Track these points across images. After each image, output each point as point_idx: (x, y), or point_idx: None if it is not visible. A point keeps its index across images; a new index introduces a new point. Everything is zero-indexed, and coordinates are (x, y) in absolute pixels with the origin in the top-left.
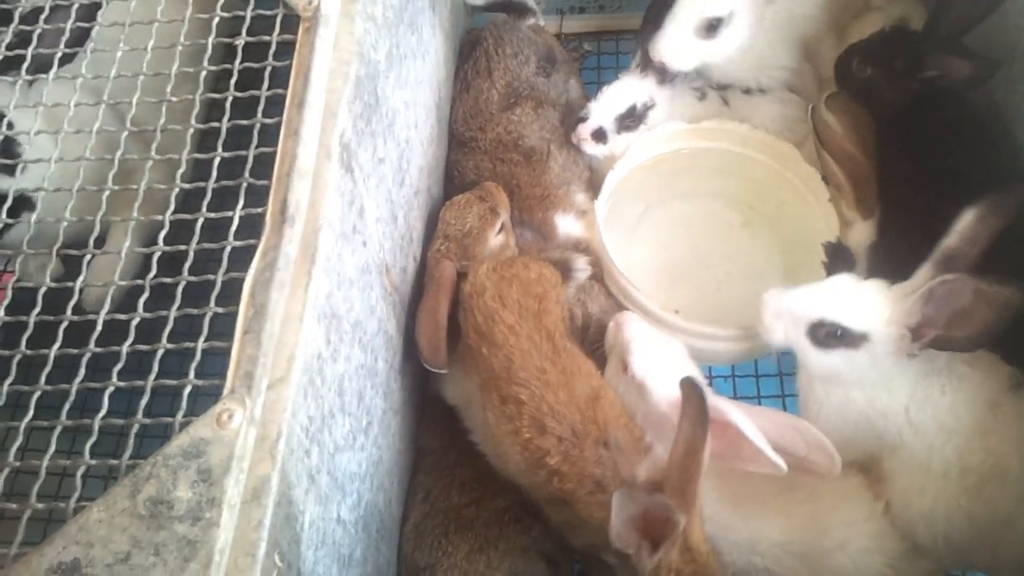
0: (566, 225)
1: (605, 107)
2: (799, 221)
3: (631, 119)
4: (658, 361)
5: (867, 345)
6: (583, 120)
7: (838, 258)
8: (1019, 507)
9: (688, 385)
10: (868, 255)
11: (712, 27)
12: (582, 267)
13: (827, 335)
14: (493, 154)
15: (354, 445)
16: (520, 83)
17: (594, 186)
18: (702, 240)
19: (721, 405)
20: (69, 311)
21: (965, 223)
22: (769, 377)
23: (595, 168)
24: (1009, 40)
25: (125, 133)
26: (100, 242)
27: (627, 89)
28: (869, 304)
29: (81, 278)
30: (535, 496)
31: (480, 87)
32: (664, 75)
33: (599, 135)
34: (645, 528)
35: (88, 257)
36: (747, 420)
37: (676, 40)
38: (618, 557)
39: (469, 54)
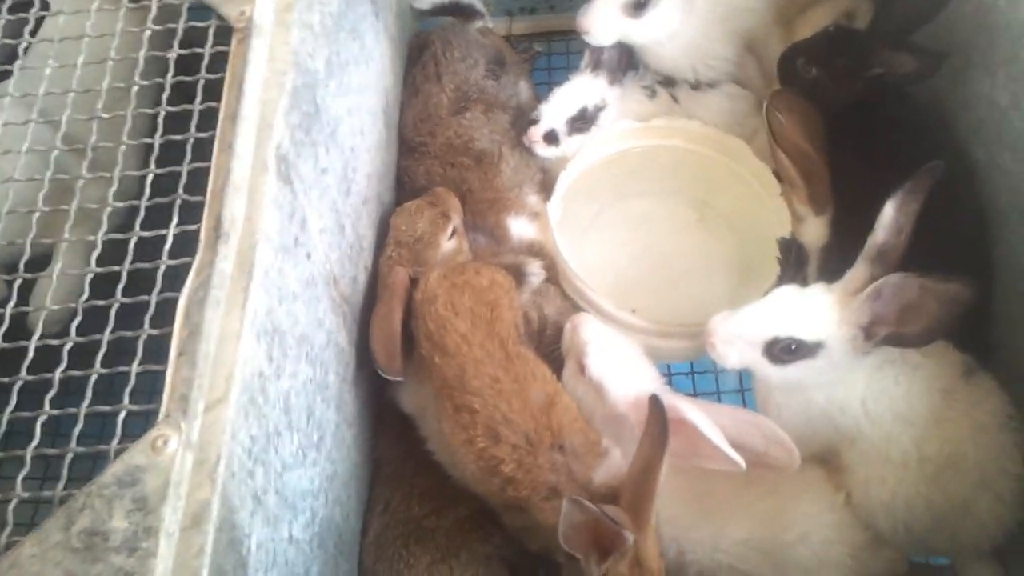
0: (519, 228)
1: (556, 109)
2: (753, 217)
3: (583, 121)
4: (615, 361)
5: (823, 352)
6: (534, 122)
7: (792, 254)
8: (976, 493)
9: (654, 403)
10: (821, 255)
11: (639, 6)
12: (535, 271)
13: (783, 351)
14: (443, 159)
15: (304, 462)
16: (469, 87)
17: (547, 188)
18: (657, 238)
19: (678, 403)
20: None
21: (887, 216)
22: (729, 373)
23: (548, 170)
24: (949, 32)
25: (56, 152)
26: (46, 264)
27: (578, 90)
28: (818, 311)
29: (11, 304)
30: (491, 503)
31: (429, 91)
32: (614, 74)
33: (551, 137)
34: (595, 536)
35: (18, 281)
36: (704, 418)
37: (602, 14)
38: (568, 560)
39: (417, 59)
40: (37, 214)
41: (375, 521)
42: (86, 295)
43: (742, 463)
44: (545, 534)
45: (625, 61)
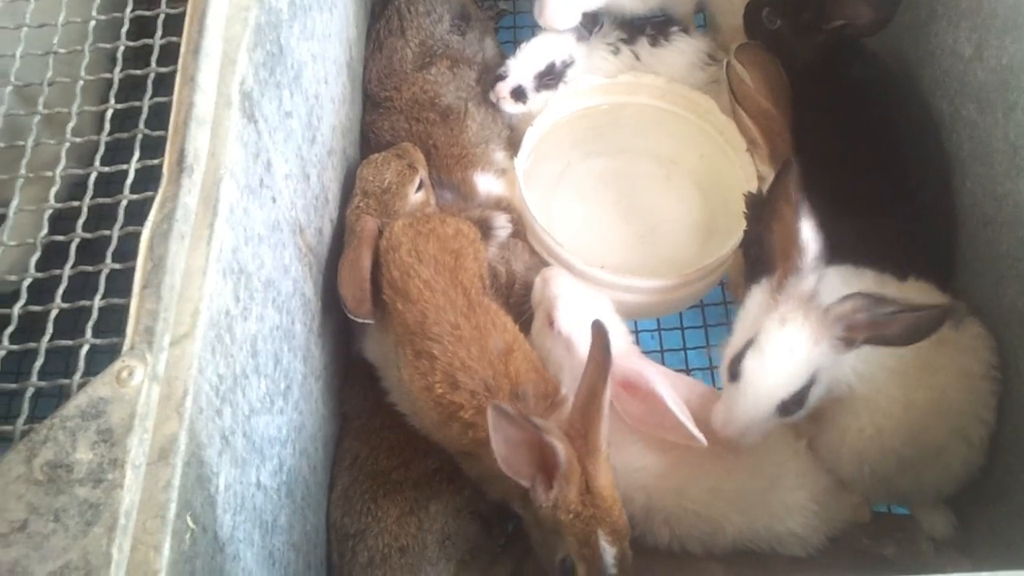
0: (486, 184)
1: (524, 65)
2: (719, 173)
3: (550, 77)
4: (584, 315)
5: (819, 376)
6: (502, 78)
7: (757, 210)
8: (951, 439)
9: (596, 328)
10: None
11: None
12: (502, 224)
13: (794, 403)
14: (409, 114)
15: (272, 409)
16: (434, 41)
17: (514, 144)
18: (624, 195)
19: (647, 373)
20: None
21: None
22: (695, 329)
23: (514, 126)
24: None
25: (9, 88)
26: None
27: (546, 46)
28: (799, 351)
29: None
30: (450, 450)
31: (394, 46)
32: (581, 31)
33: (518, 93)
34: (540, 462)
35: None
36: (671, 392)
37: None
38: (525, 507)
39: (381, 13)
40: None
41: (343, 475)
42: (45, 231)
43: (703, 440)
44: (502, 483)
45: (591, 17)
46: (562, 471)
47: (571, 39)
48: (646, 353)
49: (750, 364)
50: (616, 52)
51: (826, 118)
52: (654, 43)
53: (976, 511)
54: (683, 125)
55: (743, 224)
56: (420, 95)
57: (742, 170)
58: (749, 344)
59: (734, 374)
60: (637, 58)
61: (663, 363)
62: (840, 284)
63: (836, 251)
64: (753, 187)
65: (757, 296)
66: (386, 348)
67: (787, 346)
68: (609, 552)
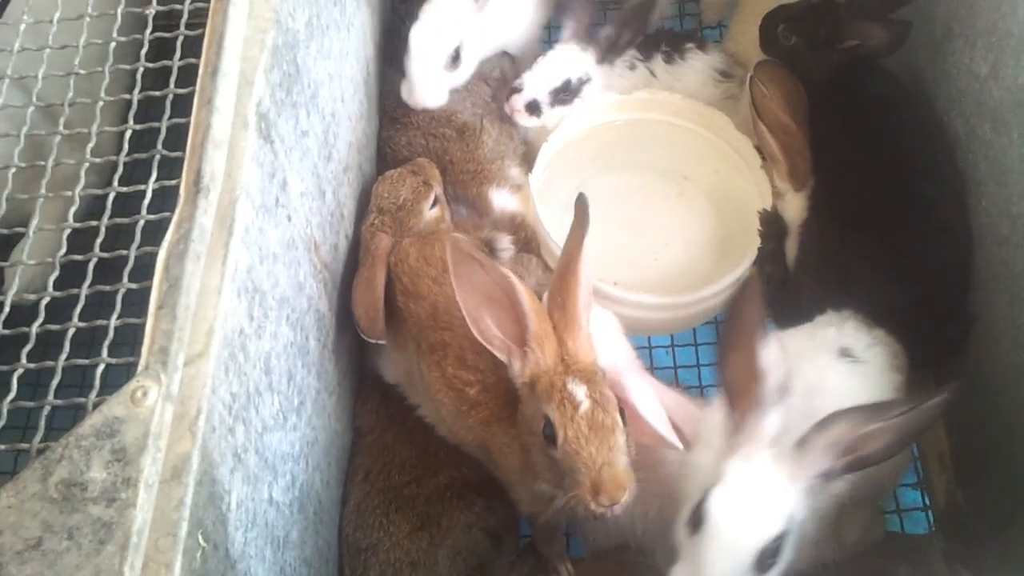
0: (501, 200)
1: (540, 79)
2: (733, 190)
3: (566, 93)
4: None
5: (796, 525)
6: (517, 91)
7: (772, 227)
8: None
9: (579, 199)
10: (800, 231)
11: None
12: (506, 246)
13: (769, 556)
14: (426, 130)
15: (285, 425)
16: None
17: (529, 160)
18: (638, 211)
19: (624, 381)
20: None
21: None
22: (708, 345)
23: (530, 142)
24: (931, 3)
25: (31, 109)
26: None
27: (563, 62)
28: (774, 491)
29: None
30: (469, 448)
31: None
32: (606, 55)
33: (533, 107)
34: (515, 334)
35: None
36: (645, 400)
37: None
38: (533, 506)
39: (398, 30)
40: (13, 169)
41: (355, 490)
42: (63, 250)
43: (679, 444)
44: (522, 479)
45: (624, 44)
46: (531, 331)
47: (591, 58)
48: (659, 369)
49: (717, 508)
50: (632, 68)
51: (842, 135)
52: (669, 60)
53: (990, 534)
54: (698, 141)
55: (757, 241)
56: (437, 112)
57: (757, 187)
58: (710, 490)
59: (697, 522)
60: (653, 75)
61: (676, 380)
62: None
63: (850, 271)
64: (768, 204)
65: (713, 440)
66: (407, 365)
67: (759, 485)
68: (579, 389)
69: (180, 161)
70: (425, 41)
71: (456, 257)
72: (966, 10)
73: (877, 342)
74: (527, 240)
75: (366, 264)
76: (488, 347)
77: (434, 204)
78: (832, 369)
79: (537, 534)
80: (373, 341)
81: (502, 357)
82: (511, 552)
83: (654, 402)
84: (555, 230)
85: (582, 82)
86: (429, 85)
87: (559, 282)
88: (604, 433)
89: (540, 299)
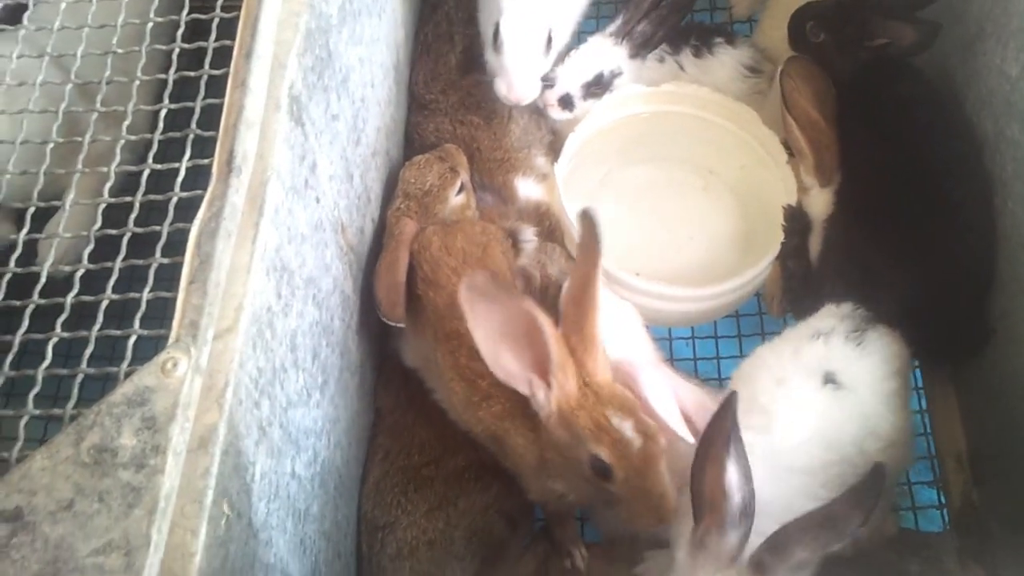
0: (526, 188)
1: (572, 73)
2: (758, 184)
3: (598, 87)
4: (607, 322)
5: None
6: (549, 86)
7: (796, 223)
8: None
9: (584, 216)
10: (825, 226)
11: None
12: (529, 238)
13: None
14: (454, 116)
15: (308, 402)
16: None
17: (556, 150)
18: (663, 204)
19: (636, 373)
20: (12, 264)
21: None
22: (728, 338)
23: (557, 132)
24: (964, 2)
25: (69, 86)
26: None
27: (595, 55)
28: None
29: (24, 231)
30: (482, 439)
31: (440, 50)
32: (639, 49)
33: (565, 101)
34: (533, 362)
35: (31, 210)
36: (656, 391)
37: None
38: (542, 497)
39: (430, 16)
40: (51, 145)
41: (375, 468)
42: (99, 224)
43: (690, 437)
44: (536, 470)
45: (659, 39)
46: (555, 361)
47: (624, 52)
48: (679, 361)
49: None
50: (661, 61)
51: (870, 133)
52: (697, 54)
53: (1004, 534)
54: (724, 135)
55: (781, 236)
56: (466, 98)
57: (782, 182)
58: None
59: None
60: (681, 68)
61: (696, 371)
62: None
63: (873, 267)
64: (793, 199)
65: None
66: (426, 349)
67: None
68: (626, 425)
69: (213, 141)
70: (519, 31)
71: (471, 297)
72: (1000, 10)
73: (868, 352)
74: (551, 229)
75: (389, 248)
76: (508, 383)
77: (460, 191)
78: (814, 399)
79: (550, 520)
80: (392, 324)
81: (523, 390)
82: (526, 535)
83: (667, 397)
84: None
85: (614, 75)
86: (529, 78)
87: (574, 306)
88: (656, 464)
89: (561, 287)
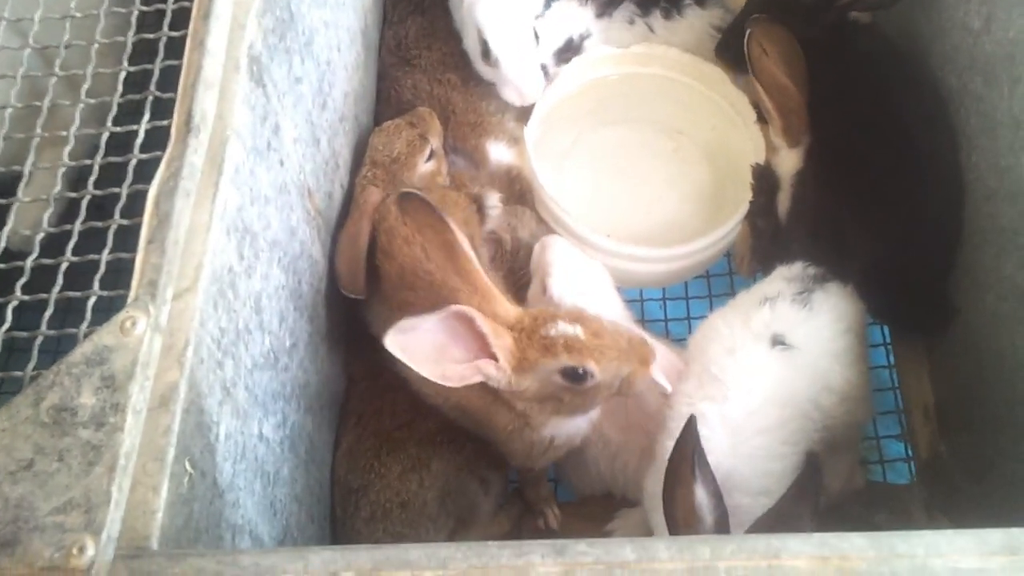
0: (498, 153)
1: (542, 43)
2: (728, 145)
3: (568, 51)
4: (576, 284)
5: None
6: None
7: (764, 181)
8: None
9: (404, 198)
10: (793, 182)
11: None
12: (493, 203)
13: None
14: (432, 75)
15: (276, 365)
16: None
17: (527, 115)
18: (633, 165)
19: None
20: None
21: None
22: (700, 299)
23: None
24: None
25: (28, 51)
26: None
27: (562, 20)
28: None
29: None
30: (446, 408)
31: (437, 13)
32: (605, 7)
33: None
34: (466, 350)
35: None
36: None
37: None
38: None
39: None
40: (9, 110)
41: (348, 433)
42: (58, 188)
43: (668, 387)
44: (509, 437)
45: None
46: (490, 333)
47: (590, 13)
48: (650, 322)
49: None
50: (631, 23)
51: (836, 93)
52: (667, 16)
53: (969, 484)
54: (694, 96)
55: (749, 195)
56: (447, 57)
57: (752, 142)
58: None
59: None
60: (651, 30)
61: (667, 332)
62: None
63: (842, 225)
64: (762, 159)
65: None
66: (386, 319)
67: None
68: (560, 326)
69: (172, 103)
70: (508, 42)
71: (398, 340)
72: None
73: (815, 312)
74: (522, 193)
75: (352, 218)
76: (463, 383)
77: (429, 158)
78: (765, 362)
79: (523, 480)
80: (352, 296)
81: (478, 379)
82: (500, 496)
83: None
84: (550, 183)
85: (583, 38)
86: (532, 77)
87: (458, 274)
88: (603, 327)
89: (531, 250)
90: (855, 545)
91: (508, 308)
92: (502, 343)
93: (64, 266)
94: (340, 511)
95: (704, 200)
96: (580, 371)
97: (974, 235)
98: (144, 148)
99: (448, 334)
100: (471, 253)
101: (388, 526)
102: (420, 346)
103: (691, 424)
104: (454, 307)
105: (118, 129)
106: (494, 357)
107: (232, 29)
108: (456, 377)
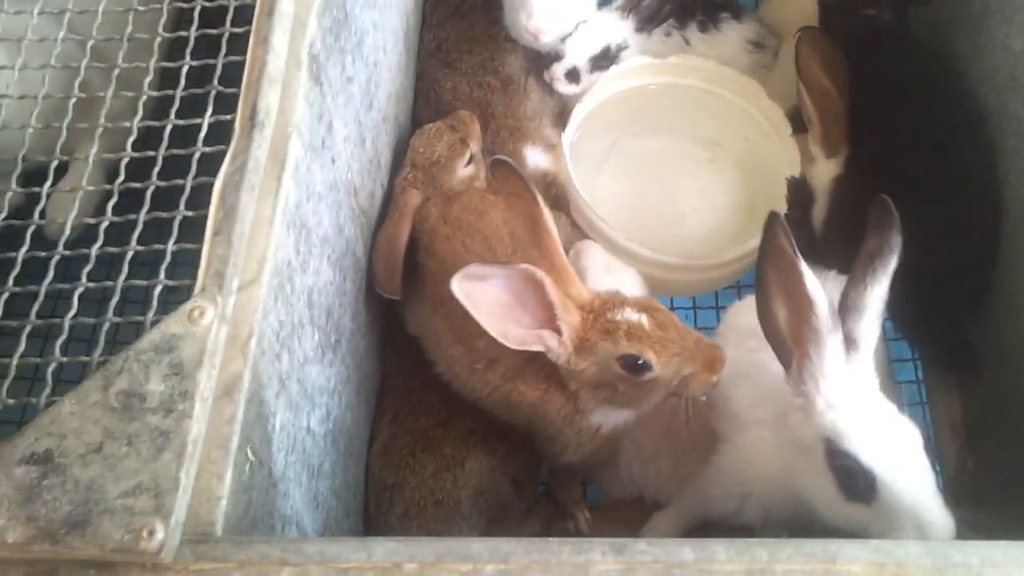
0: (535, 158)
1: (579, 46)
2: (763, 157)
3: (605, 60)
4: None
5: None
6: (557, 59)
7: (799, 194)
8: None
9: (497, 163)
10: (831, 189)
11: None
12: None
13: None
14: (472, 77)
15: (323, 360)
16: None
17: (564, 121)
18: (668, 175)
19: None
20: (36, 216)
21: None
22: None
23: (566, 103)
24: None
25: (91, 43)
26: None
27: (602, 29)
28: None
29: (47, 184)
30: (488, 404)
31: (476, 18)
32: (646, 23)
33: (572, 75)
34: (534, 316)
35: (54, 163)
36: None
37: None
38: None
39: None
40: (73, 99)
41: (383, 430)
42: (122, 178)
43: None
44: (551, 431)
45: (665, 14)
46: (558, 305)
47: (630, 25)
48: None
49: (881, 462)
50: (668, 35)
51: (877, 107)
52: (703, 29)
53: (997, 500)
54: (729, 108)
55: (783, 208)
56: (488, 61)
57: (786, 155)
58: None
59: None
60: (687, 43)
61: None
62: None
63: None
64: (797, 172)
65: (765, 416)
66: (425, 319)
67: (887, 410)
68: (627, 312)
69: (232, 98)
70: None
71: (464, 286)
72: None
73: None
74: (557, 198)
75: (392, 219)
76: (523, 348)
77: (469, 162)
78: None
79: (555, 481)
80: (388, 296)
81: (538, 348)
82: (531, 497)
83: None
84: (585, 189)
85: (620, 49)
86: (548, 6)
87: (538, 248)
88: (672, 321)
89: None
90: (911, 553)
91: (582, 289)
92: (569, 319)
93: (129, 255)
94: (374, 507)
95: (737, 211)
96: (640, 361)
97: (1008, 255)
98: (179, 143)
99: (515, 295)
100: (554, 231)
101: (422, 523)
102: (485, 297)
103: (772, 222)
104: (525, 265)
105: (181, 122)
106: (558, 331)
107: (294, 26)
108: (516, 339)
